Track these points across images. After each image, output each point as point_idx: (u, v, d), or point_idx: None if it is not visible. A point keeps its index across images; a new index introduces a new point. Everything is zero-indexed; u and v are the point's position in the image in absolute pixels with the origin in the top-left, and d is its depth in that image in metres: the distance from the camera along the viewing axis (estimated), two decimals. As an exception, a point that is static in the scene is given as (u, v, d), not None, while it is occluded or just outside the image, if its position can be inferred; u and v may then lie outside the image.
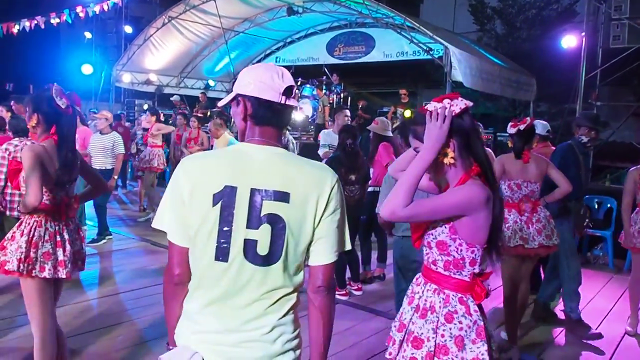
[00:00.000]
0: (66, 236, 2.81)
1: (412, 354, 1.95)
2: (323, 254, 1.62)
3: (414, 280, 2.14)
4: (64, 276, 2.77)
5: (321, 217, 1.60)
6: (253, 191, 1.54)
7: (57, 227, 2.79)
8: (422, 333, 1.94)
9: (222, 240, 1.53)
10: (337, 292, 4.89)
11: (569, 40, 9.46)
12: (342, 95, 12.74)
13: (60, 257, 2.76)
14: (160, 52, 13.77)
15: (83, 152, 6.20)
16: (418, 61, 12.11)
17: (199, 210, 1.53)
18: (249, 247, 1.54)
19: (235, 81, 1.69)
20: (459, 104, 1.90)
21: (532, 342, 4.36)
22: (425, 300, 1.99)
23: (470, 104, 1.92)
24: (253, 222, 1.54)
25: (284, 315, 1.60)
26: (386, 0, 11.38)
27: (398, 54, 12.65)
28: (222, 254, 1.54)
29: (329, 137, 6.58)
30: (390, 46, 12.59)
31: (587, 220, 4.91)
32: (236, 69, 15.31)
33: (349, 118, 6.57)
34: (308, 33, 14.32)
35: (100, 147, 6.60)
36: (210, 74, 15.47)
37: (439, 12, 15.87)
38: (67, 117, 2.78)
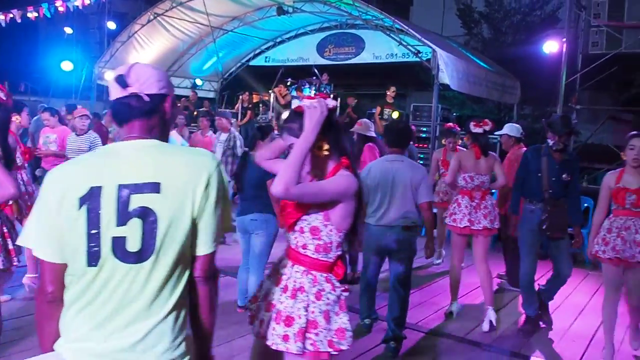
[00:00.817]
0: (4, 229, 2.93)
1: (285, 331, 2.13)
2: (203, 245, 1.56)
3: (279, 263, 2.34)
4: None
5: (200, 206, 1.52)
6: (120, 187, 1.46)
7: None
8: (293, 312, 2.14)
9: (92, 244, 1.45)
10: None
11: (551, 46, 9.76)
12: (331, 95, 12.85)
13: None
14: (145, 49, 13.43)
15: (61, 153, 6.10)
16: (407, 63, 12.32)
17: (68, 218, 1.45)
18: (117, 245, 1.45)
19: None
20: (331, 102, 2.18)
21: (511, 335, 4.64)
22: (295, 282, 2.19)
23: (336, 104, 2.23)
24: (121, 219, 1.45)
25: (163, 319, 1.49)
26: (376, 2, 11.61)
27: (388, 55, 12.86)
28: (93, 258, 1.45)
29: None
30: (380, 48, 12.79)
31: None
32: (225, 68, 15.39)
33: None
34: (298, 33, 14.38)
35: (75, 148, 6.06)
36: (198, 72, 15.31)
37: (428, 16, 16.13)
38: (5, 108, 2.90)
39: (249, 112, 12.60)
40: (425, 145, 9.75)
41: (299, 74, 13.41)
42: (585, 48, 10.27)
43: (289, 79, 13.11)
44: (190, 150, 1.67)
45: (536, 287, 4.76)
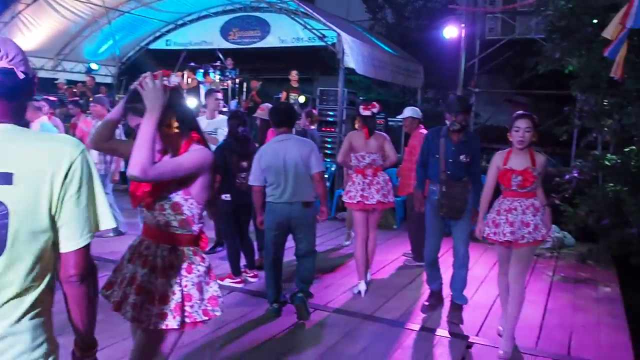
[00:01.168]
0: None
1: (162, 309, 2.16)
2: (71, 239, 1.43)
3: (140, 245, 2.31)
4: None
5: (60, 197, 1.39)
6: None
7: None
8: (166, 289, 2.18)
9: None
10: (232, 280, 5.04)
11: (451, 31, 10.11)
12: (237, 80, 12.67)
13: None
14: (32, 31, 12.37)
15: None
16: (313, 47, 12.28)
17: None
18: None
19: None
20: (174, 79, 2.19)
21: (417, 309, 4.76)
22: (163, 260, 2.22)
23: (179, 81, 2.25)
24: None
25: (17, 321, 1.36)
26: (281, -14, 11.44)
27: (293, 39, 12.75)
28: None
29: (202, 124, 6.55)
30: (285, 31, 12.66)
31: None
32: (122, 52, 14.61)
33: (221, 100, 6.64)
34: (201, 16, 13.83)
35: None
36: (93, 56, 14.35)
37: (333, 0, 16.20)
38: None
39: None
40: (332, 129, 9.79)
41: (203, 58, 13.05)
42: (482, 33, 10.73)
43: (192, 63, 12.72)
44: (50, 136, 1.49)
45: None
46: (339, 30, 9.20)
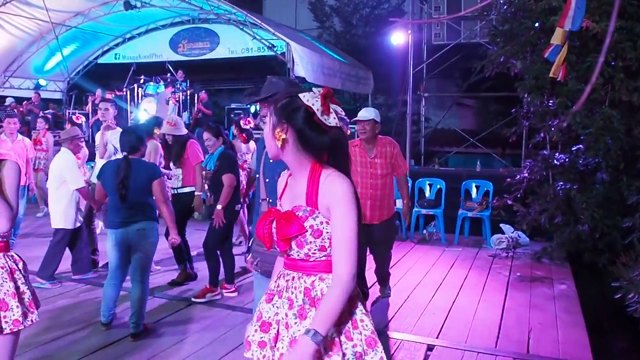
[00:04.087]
0: None
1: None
2: None
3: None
4: None
5: None
6: None
7: None
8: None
9: None
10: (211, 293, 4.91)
11: (398, 37, 10.23)
12: (188, 92, 12.51)
13: None
14: None
15: None
16: (263, 57, 12.27)
17: None
18: None
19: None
20: None
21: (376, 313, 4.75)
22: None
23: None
24: None
25: None
26: (230, -4, 11.37)
27: (243, 50, 12.72)
28: None
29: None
30: (235, 42, 12.61)
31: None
32: (71, 67, 14.27)
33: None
34: (149, 29, 13.75)
35: None
36: (41, 72, 14.06)
37: (281, 9, 16.18)
38: None
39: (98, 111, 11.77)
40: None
41: (153, 71, 12.87)
42: (429, 39, 10.92)
43: (142, 76, 12.50)
44: None
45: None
46: (287, 40, 9.19)
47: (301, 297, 1.79)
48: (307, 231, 1.75)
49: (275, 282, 1.91)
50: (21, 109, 12.75)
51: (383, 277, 5.04)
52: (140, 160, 4.15)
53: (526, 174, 6.53)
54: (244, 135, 7.02)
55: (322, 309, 1.69)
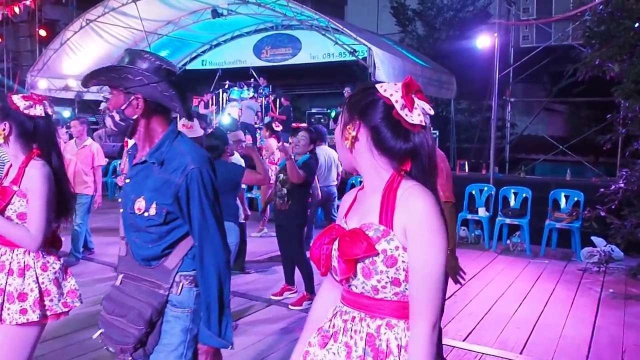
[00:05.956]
0: None
1: (21, 306, 2.25)
2: None
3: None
4: None
5: None
6: None
7: None
8: (24, 288, 2.27)
9: None
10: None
11: (483, 41, 9.93)
12: (270, 97, 12.80)
13: None
14: (78, 56, 13.14)
15: None
16: (344, 62, 12.31)
17: None
18: None
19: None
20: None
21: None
22: (19, 262, 2.30)
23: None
24: None
25: None
26: (311, 3, 11.53)
27: (324, 55, 12.83)
28: None
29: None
30: (316, 48, 12.75)
31: None
32: (160, 73, 15.01)
33: None
34: (234, 35, 14.23)
35: None
36: (133, 79, 14.98)
37: (363, 14, 16.17)
38: None
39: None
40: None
41: (237, 77, 13.26)
42: (516, 42, 10.54)
43: (227, 82, 12.92)
44: None
45: None
46: (369, 45, 9.18)
47: (362, 345, 1.40)
48: (378, 255, 1.36)
49: (330, 321, 1.52)
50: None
51: None
52: (220, 161, 4.21)
53: (622, 184, 6.11)
54: (274, 135, 8.11)
55: None
